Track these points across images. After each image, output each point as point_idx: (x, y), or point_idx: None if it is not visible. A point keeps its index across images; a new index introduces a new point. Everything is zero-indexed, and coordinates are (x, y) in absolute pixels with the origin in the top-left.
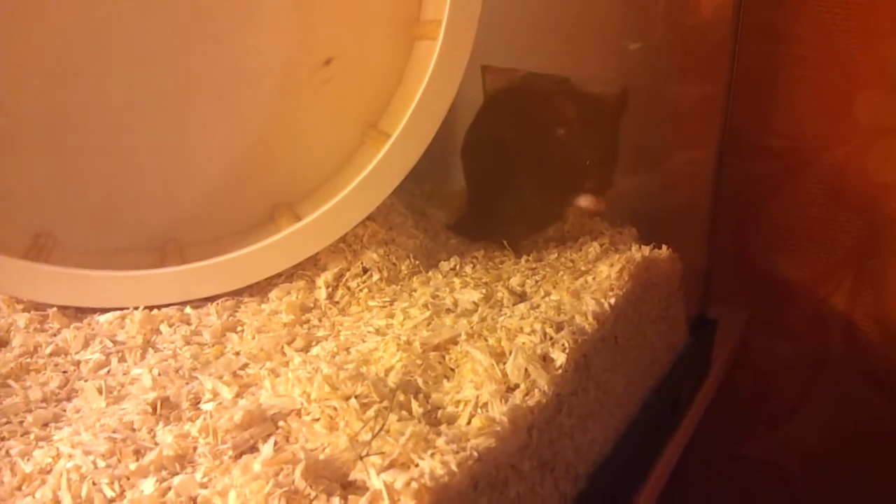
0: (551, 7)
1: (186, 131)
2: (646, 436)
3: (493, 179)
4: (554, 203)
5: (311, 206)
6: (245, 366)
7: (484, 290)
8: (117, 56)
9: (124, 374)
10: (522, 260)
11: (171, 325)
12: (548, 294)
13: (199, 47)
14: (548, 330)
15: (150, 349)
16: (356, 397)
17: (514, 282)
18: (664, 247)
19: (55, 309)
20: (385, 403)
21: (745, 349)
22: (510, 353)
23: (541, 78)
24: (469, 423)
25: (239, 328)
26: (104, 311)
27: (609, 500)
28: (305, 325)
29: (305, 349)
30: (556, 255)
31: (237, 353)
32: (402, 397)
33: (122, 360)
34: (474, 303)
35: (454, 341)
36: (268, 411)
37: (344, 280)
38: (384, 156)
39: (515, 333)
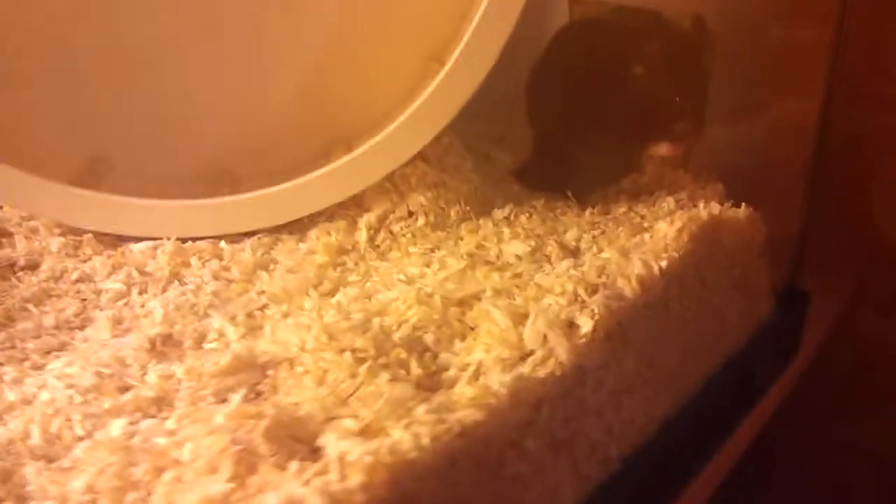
0: None
1: (247, 59)
2: (708, 419)
3: (561, 122)
4: (629, 151)
5: None
6: (264, 306)
7: (533, 243)
8: None
9: (141, 306)
10: (586, 213)
11: (201, 259)
12: (601, 251)
13: None
14: (580, 292)
15: (176, 281)
16: (353, 350)
17: (570, 236)
18: (743, 206)
19: (90, 235)
20: (382, 360)
21: (849, 325)
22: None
23: (630, 11)
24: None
25: (272, 266)
26: (140, 240)
27: (654, 486)
28: (339, 268)
29: (331, 293)
30: (625, 208)
31: (261, 293)
32: (402, 355)
33: (142, 291)
34: (518, 256)
35: (479, 297)
36: (259, 358)
37: (387, 223)
38: (435, 88)
39: (546, 293)
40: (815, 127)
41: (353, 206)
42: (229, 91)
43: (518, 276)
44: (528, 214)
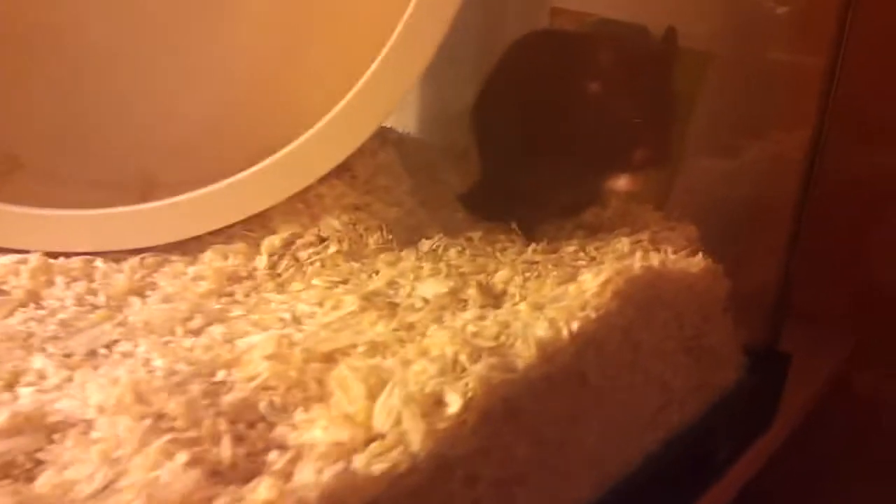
0: None
1: (173, 58)
2: (648, 501)
3: (510, 146)
4: (585, 182)
5: None
6: (114, 343)
7: (453, 283)
8: None
9: None
10: (529, 249)
11: (68, 279)
12: (523, 299)
13: None
14: (463, 357)
15: (32, 304)
16: (160, 416)
17: (500, 277)
18: (699, 255)
19: None
20: (192, 432)
21: (842, 386)
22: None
23: (612, 25)
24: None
25: (148, 293)
26: (9, 252)
27: None
28: (224, 299)
29: (199, 331)
30: (575, 247)
31: (121, 325)
32: (221, 426)
33: None
34: (425, 299)
35: (348, 352)
36: (50, 417)
37: (293, 248)
38: (350, 101)
39: (422, 354)
40: (803, 163)
41: (258, 227)
42: (152, 89)
43: (411, 326)
44: (460, 248)
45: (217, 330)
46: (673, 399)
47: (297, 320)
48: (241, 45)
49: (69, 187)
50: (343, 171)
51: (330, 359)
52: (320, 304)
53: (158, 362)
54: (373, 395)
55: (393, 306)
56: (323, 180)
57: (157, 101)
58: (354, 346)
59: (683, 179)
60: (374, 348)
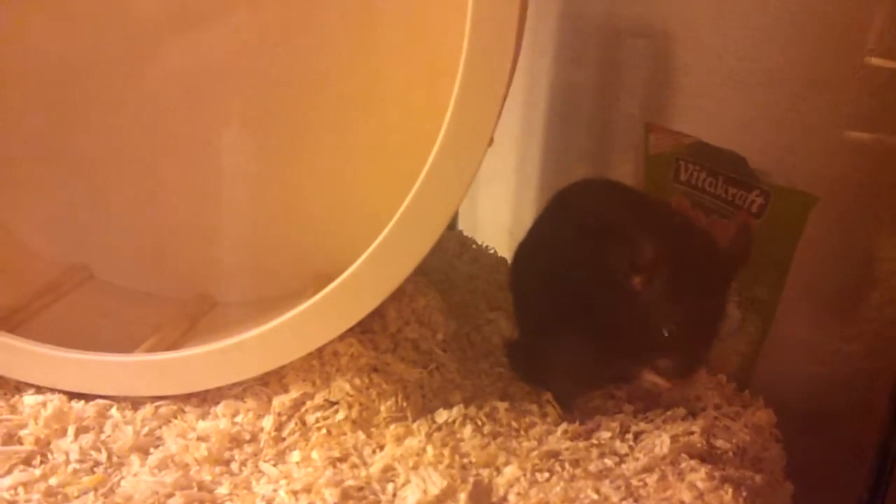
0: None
1: (236, 178)
2: None
3: (542, 310)
4: (623, 364)
5: None
6: None
7: (447, 483)
8: (173, 91)
9: None
10: (559, 430)
11: (80, 428)
12: None
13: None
14: None
15: (37, 458)
16: None
17: (506, 476)
18: (730, 493)
19: None
20: None
21: None
22: None
23: (710, 151)
24: None
25: (152, 450)
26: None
27: None
28: (218, 469)
29: None
30: (614, 430)
31: (104, 497)
32: None
33: None
34: None
35: None
36: None
37: (303, 410)
38: (368, 259)
39: None
40: None
41: (273, 380)
42: (214, 209)
43: None
44: (480, 421)
45: None
46: None
47: None
48: (302, 162)
49: (132, 300)
50: (374, 317)
51: None
52: (298, 495)
53: None
54: None
55: None
56: (343, 335)
57: (221, 224)
58: None
59: (776, 345)
60: None
